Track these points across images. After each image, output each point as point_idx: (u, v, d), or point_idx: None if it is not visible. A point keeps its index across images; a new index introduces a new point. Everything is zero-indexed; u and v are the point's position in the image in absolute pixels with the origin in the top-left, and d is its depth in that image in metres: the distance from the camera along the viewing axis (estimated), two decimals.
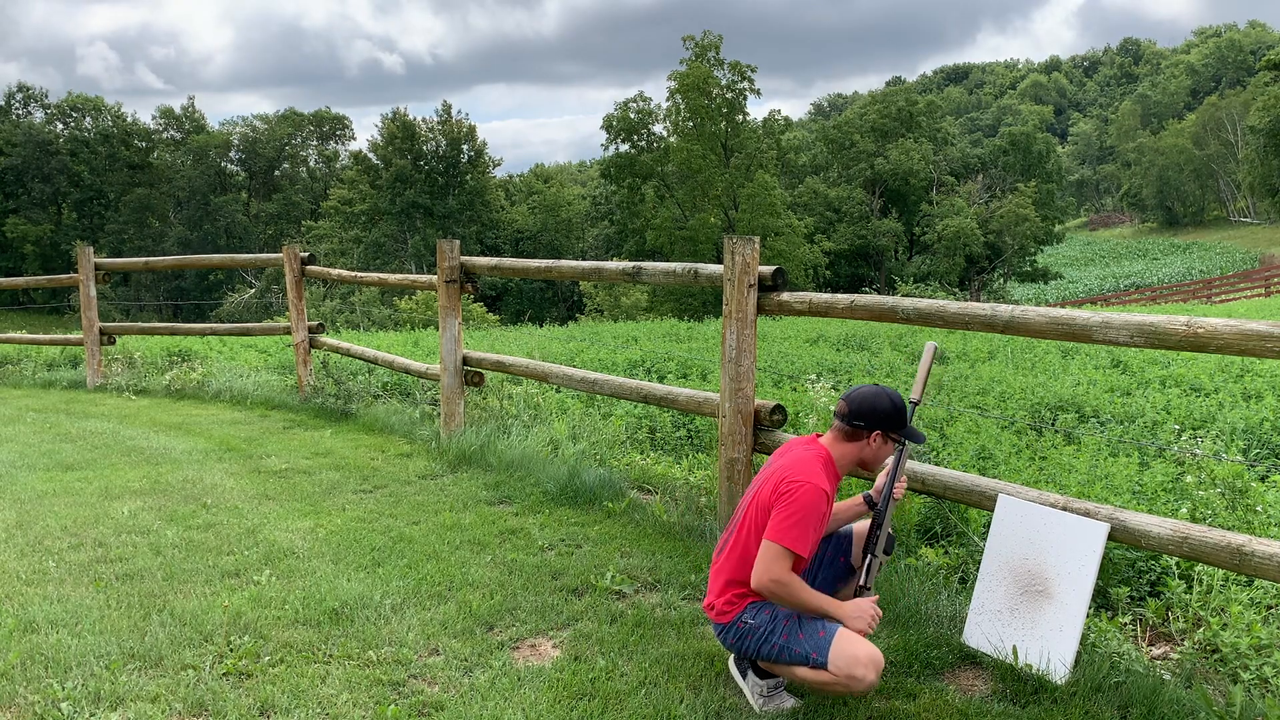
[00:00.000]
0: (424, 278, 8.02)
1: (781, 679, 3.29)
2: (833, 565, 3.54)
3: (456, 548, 4.86)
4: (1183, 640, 3.81)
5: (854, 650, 3.03)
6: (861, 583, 3.34)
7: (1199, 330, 3.18)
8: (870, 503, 3.50)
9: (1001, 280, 53.97)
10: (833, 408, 7.06)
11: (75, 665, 3.54)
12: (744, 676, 3.33)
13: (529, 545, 4.91)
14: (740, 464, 4.80)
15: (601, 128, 52.25)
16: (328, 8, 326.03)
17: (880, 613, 3.21)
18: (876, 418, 3.24)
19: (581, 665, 3.55)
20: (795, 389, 9.99)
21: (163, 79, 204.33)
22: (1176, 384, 10.87)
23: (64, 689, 3.36)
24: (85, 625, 3.90)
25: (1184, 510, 4.77)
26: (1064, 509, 3.56)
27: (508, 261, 7.04)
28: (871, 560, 3.35)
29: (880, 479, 3.47)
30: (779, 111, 54.05)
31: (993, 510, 3.76)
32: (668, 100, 50.13)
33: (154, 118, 78.87)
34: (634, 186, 51.79)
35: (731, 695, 3.34)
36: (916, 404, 3.48)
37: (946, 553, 4.56)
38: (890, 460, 3.40)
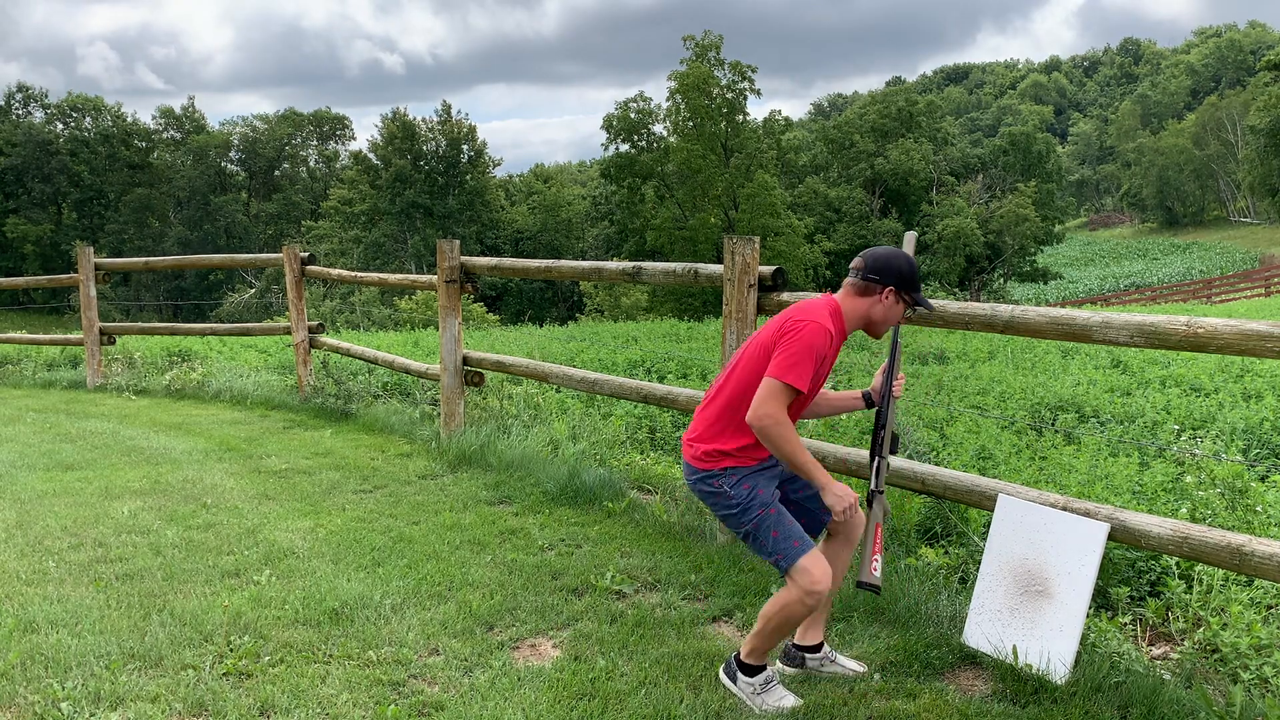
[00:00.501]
0: (424, 278, 8.02)
1: (772, 673, 3.28)
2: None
3: (456, 548, 4.86)
4: (1183, 640, 3.81)
5: (815, 569, 3.08)
6: (872, 486, 3.35)
7: (1199, 330, 3.18)
8: (869, 401, 3.48)
9: (1001, 280, 53.96)
10: None
11: (75, 665, 3.54)
12: (733, 681, 3.32)
13: (529, 545, 4.91)
14: None
15: (601, 127, 52.25)
16: (328, 8, 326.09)
17: (858, 508, 3.22)
18: (891, 273, 3.18)
19: (581, 665, 3.55)
20: None
21: (163, 79, 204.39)
22: (1176, 384, 10.87)
23: (64, 689, 3.36)
24: (85, 625, 3.90)
25: (1184, 510, 4.77)
26: (1064, 509, 3.56)
27: (508, 261, 7.04)
28: (879, 462, 3.37)
29: (877, 378, 3.46)
30: (779, 112, 54.06)
31: (993, 510, 3.76)
32: (668, 100, 50.13)
33: (154, 118, 78.93)
34: (634, 186, 51.77)
35: (732, 695, 3.34)
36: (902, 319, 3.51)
37: (946, 553, 4.56)
38: (887, 360, 3.41)
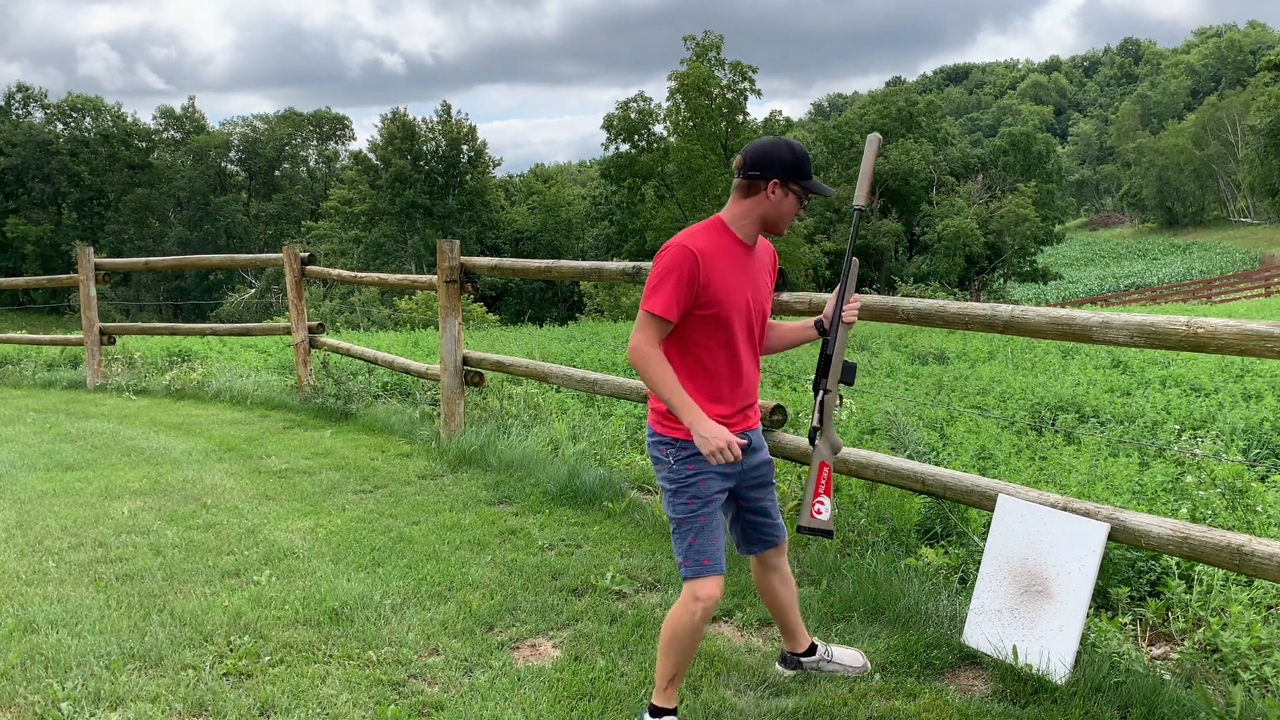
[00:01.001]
0: (424, 278, 8.03)
1: (822, 656, 3.42)
2: None
3: (456, 548, 4.86)
4: (1183, 640, 3.81)
5: (704, 591, 2.93)
6: (814, 422, 3.07)
7: (1199, 330, 3.18)
8: (821, 329, 3.20)
9: (1001, 280, 53.96)
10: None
11: (75, 665, 3.54)
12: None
13: (529, 545, 4.91)
14: None
15: (602, 127, 52.26)
16: (328, 8, 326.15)
17: (740, 452, 2.85)
18: (773, 164, 2.88)
19: (581, 665, 3.55)
20: (795, 389, 9.99)
21: (164, 79, 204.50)
22: (1176, 384, 10.87)
23: (64, 689, 3.36)
24: (85, 625, 3.90)
25: (1184, 510, 4.77)
26: (1064, 509, 3.56)
27: (508, 261, 7.04)
28: (824, 396, 3.09)
29: (829, 304, 3.19)
30: (779, 112, 54.07)
31: (993, 510, 3.76)
32: (668, 100, 50.13)
33: (154, 118, 78.94)
34: (634, 186, 51.77)
35: (731, 695, 3.34)
36: (860, 210, 3.17)
37: (946, 553, 4.56)
38: (840, 284, 3.13)
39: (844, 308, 3.10)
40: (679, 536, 2.99)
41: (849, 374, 3.08)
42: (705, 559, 2.94)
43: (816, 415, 3.09)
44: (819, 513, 3.01)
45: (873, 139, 3.09)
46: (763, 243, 3.09)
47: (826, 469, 3.05)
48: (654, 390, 2.87)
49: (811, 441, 3.09)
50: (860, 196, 3.16)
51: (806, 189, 2.94)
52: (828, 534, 3.07)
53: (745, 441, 2.97)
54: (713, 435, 2.79)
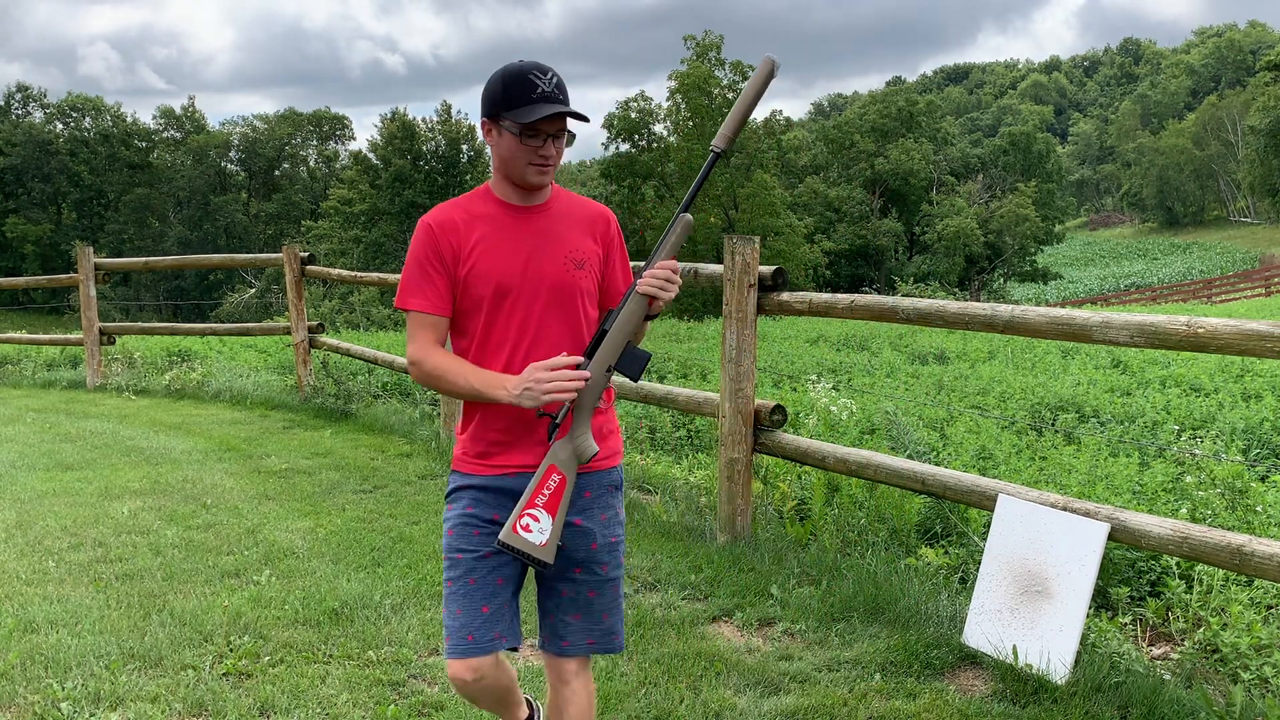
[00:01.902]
0: None
1: None
2: None
3: None
4: (1183, 640, 3.81)
5: (453, 672, 2.33)
6: (558, 416, 2.26)
7: (1199, 330, 3.18)
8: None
9: (1001, 280, 53.95)
10: (833, 408, 7.08)
11: (75, 665, 3.54)
12: None
13: None
14: (740, 464, 4.80)
15: (602, 127, 52.24)
16: (329, 8, 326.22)
17: (576, 376, 2.21)
18: (484, 100, 2.28)
19: None
20: (795, 389, 9.99)
21: (164, 79, 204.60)
22: (1176, 384, 10.87)
23: (64, 689, 3.36)
24: (85, 625, 3.90)
25: (1184, 510, 4.77)
26: (1064, 509, 3.56)
27: None
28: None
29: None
30: (779, 112, 54.03)
31: (993, 510, 3.76)
32: (668, 100, 50.13)
33: (154, 118, 78.95)
34: (634, 186, 51.73)
35: (731, 695, 3.34)
36: (720, 153, 2.32)
37: (946, 553, 4.56)
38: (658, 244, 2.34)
39: (645, 273, 2.30)
40: (447, 603, 2.34)
41: (632, 364, 2.30)
42: (448, 636, 2.33)
43: (564, 408, 2.25)
44: (527, 529, 2.23)
45: (765, 62, 2.31)
46: (584, 204, 2.44)
47: (557, 477, 2.26)
48: (452, 391, 2.28)
49: (549, 438, 2.28)
50: (722, 137, 2.33)
51: (521, 123, 2.21)
52: (538, 562, 2.25)
53: (581, 372, 2.23)
54: (524, 379, 2.21)
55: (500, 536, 2.24)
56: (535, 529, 2.24)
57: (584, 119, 2.27)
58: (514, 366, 2.28)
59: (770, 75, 2.31)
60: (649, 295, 2.29)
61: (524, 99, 2.21)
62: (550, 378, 2.19)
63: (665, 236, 2.33)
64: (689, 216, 2.35)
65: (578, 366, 2.27)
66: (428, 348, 2.30)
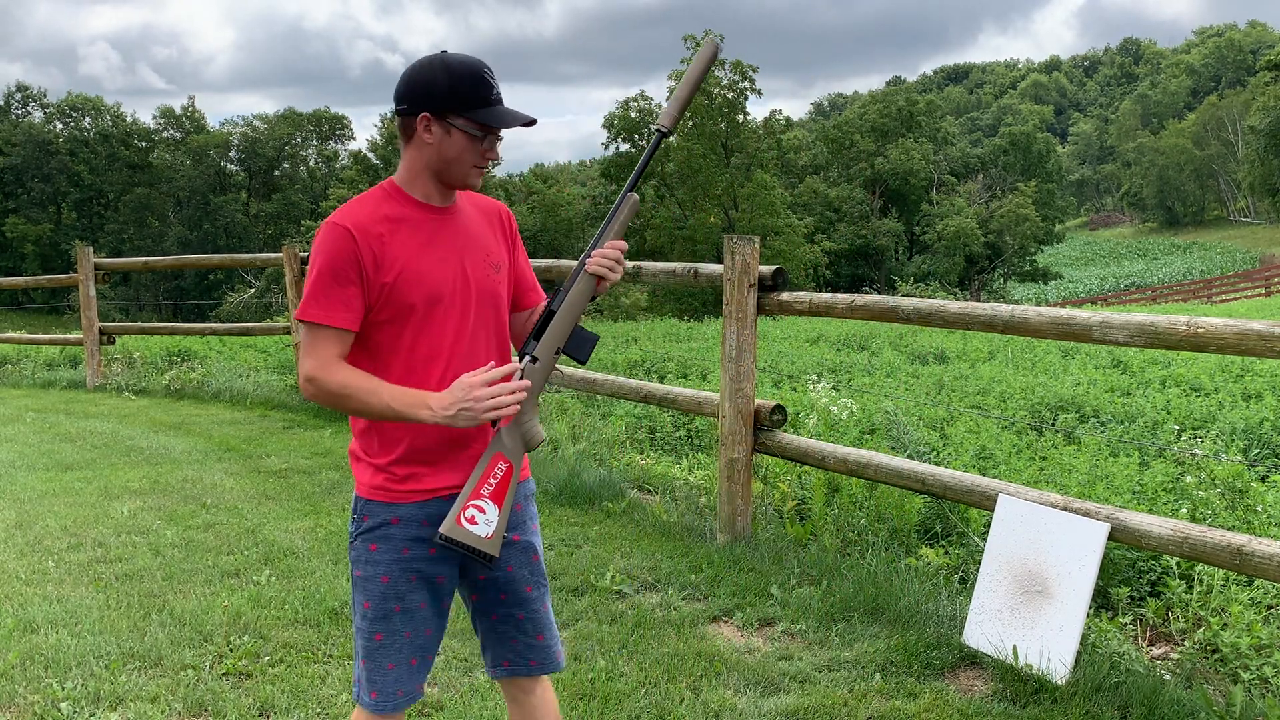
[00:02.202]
0: None
1: None
2: None
3: None
4: (1183, 640, 3.81)
5: (369, 717, 2.19)
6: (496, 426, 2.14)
7: (1199, 330, 3.18)
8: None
9: (1001, 280, 53.96)
10: (833, 408, 7.08)
11: (75, 665, 3.54)
12: None
13: None
14: (740, 464, 4.80)
15: (602, 126, 52.25)
16: (330, 8, 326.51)
17: (518, 384, 2.07)
18: (419, 94, 2.05)
19: (581, 665, 3.55)
20: (795, 389, 9.99)
21: (165, 79, 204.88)
22: (1176, 384, 10.86)
23: (64, 689, 3.36)
24: (85, 625, 3.90)
25: (1184, 510, 4.77)
26: (1064, 509, 3.56)
27: None
28: (527, 363, 2.16)
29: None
30: (779, 111, 54.04)
31: (993, 510, 3.76)
32: (668, 100, 50.10)
33: (154, 117, 78.97)
34: (533, 122, 51.65)
35: (731, 695, 3.34)
36: (665, 133, 2.22)
37: (946, 553, 4.56)
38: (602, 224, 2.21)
39: (594, 252, 2.18)
40: (355, 645, 2.20)
41: (580, 346, 2.18)
42: (374, 692, 2.15)
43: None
44: (472, 520, 2.07)
45: (708, 43, 2.24)
46: (479, 200, 2.28)
47: (503, 466, 2.11)
48: (361, 410, 2.05)
49: (493, 425, 2.12)
50: (666, 115, 2.21)
51: (478, 122, 2.06)
52: (483, 556, 2.09)
53: (522, 382, 2.09)
54: (457, 397, 2.01)
55: (441, 529, 2.05)
56: (481, 520, 2.08)
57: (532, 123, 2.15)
58: (446, 380, 2.09)
59: (714, 57, 2.23)
60: (598, 276, 2.16)
61: (481, 100, 2.06)
62: (490, 393, 2.02)
63: (612, 216, 2.22)
64: (635, 196, 2.24)
65: (524, 350, 2.17)
66: (330, 363, 2.04)
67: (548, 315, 2.17)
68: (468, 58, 2.08)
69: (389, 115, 62.84)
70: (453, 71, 2.04)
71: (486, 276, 2.18)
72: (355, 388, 2.03)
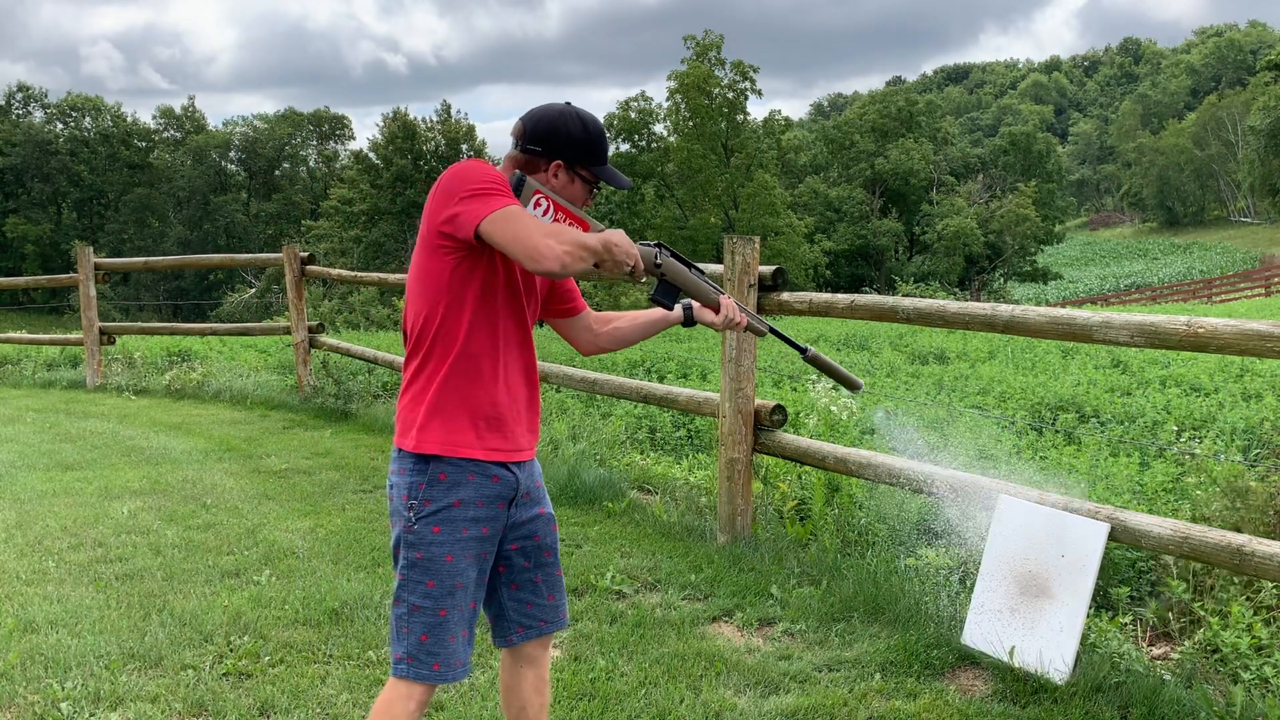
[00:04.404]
0: None
1: None
2: None
3: None
4: (1183, 640, 3.81)
5: (422, 694, 2.31)
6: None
7: (1199, 330, 3.18)
8: (689, 319, 2.62)
9: (1002, 280, 53.96)
10: (833, 408, 7.08)
11: (75, 665, 3.54)
12: None
13: None
14: (740, 464, 4.80)
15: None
16: (332, 8, 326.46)
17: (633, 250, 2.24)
18: (559, 142, 2.31)
19: (581, 665, 3.55)
20: (795, 389, 9.99)
21: (167, 79, 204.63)
22: (1176, 384, 10.86)
23: (64, 689, 3.36)
24: (85, 625, 3.90)
25: (1184, 510, 4.76)
26: (1064, 509, 3.56)
27: None
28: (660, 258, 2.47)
29: (712, 314, 2.55)
30: (779, 111, 54.06)
31: (993, 510, 3.76)
32: (667, 100, 50.14)
33: (154, 117, 78.97)
34: (634, 186, 51.83)
35: (731, 695, 3.34)
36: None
37: (946, 553, 4.56)
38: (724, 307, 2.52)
39: (729, 300, 2.58)
40: (402, 622, 2.29)
41: (670, 293, 2.55)
42: (437, 664, 2.28)
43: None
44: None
45: None
46: None
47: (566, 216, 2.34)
48: (582, 251, 2.11)
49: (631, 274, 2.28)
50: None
51: (598, 177, 2.37)
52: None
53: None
54: (623, 242, 2.20)
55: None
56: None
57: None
58: (495, 377, 2.28)
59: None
60: (723, 313, 2.53)
61: (603, 158, 2.36)
62: (630, 251, 2.20)
63: (757, 319, 2.59)
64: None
65: (659, 260, 2.47)
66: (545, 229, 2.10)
67: (686, 264, 2.52)
68: (594, 117, 2.37)
69: (389, 115, 62.91)
70: (589, 129, 2.33)
71: (531, 294, 2.40)
72: (561, 229, 2.12)
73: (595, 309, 2.68)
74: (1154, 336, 3.31)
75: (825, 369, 2.64)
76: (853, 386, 2.67)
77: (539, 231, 2.08)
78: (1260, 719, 3.04)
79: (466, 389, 2.25)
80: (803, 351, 2.58)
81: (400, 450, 2.29)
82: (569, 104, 2.37)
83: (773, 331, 2.60)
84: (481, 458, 2.27)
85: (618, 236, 2.19)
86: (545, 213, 2.27)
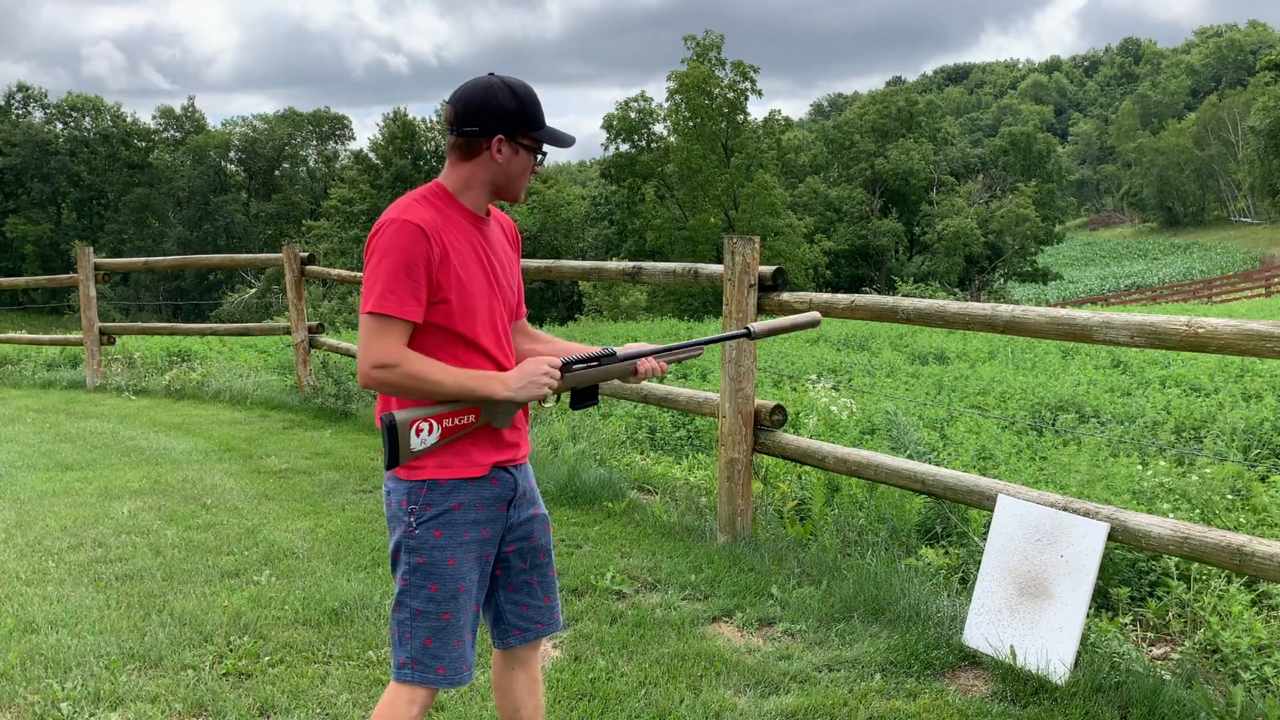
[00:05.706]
0: None
1: None
2: None
3: None
4: (1183, 640, 3.81)
5: (424, 698, 2.33)
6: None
7: (1199, 330, 3.18)
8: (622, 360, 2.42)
9: (1002, 280, 53.94)
10: (833, 408, 7.08)
11: (75, 665, 3.54)
12: None
13: None
14: (740, 464, 4.80)
15: (601, 127, 52.26)
16: (334, 9, 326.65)
17: (555, 376, 2.28)
18: (492, 115, 2.23)
19: (581, 665, 3.55)
20: (795, 389, 9.99)
21: (168, 79, 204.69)
22: (1176, 384, 10.86)
23: (64, 689, 3.36)
24: (85, 625, 3.90)
25: (1184, 510, 4.76)
26: (1064, 509, 3.56)
27: None
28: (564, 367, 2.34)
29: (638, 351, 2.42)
30: (779, 111, 54.03)
31: (993, 510, 3.76)
32: (668, 100, 50.13)
33: (154, 117, 78.97)
34: (634, 186, 51.75)
35: (731, 695, 3.34)
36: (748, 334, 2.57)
37: (946, 553, 4.56)
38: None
39: (654, 358, 2.44)
40: (405, 627, 2.30)
41: (586, 396, 2.45)
42: (441, 668, 2.30)
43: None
44: (419, 433, 2.22)
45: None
46: (498, 214, 2.46)
47: (471, 418, 2.29)
48: (434, 391, 2.18)
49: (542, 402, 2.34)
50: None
51: (541, 140, 2.30)
52: (391, 457, 2.22)
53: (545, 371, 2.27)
54: (527, 374, 2.25)
55: (397, 415, 2.18)
56: (422, 439, 2.21)
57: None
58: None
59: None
60: (641, 375, 2.41)
61: (540, 121, 2.29)
62: (552, 373, 2.27)
63: (683, 347, 2.49)
64: (701, 350, 2.54)
65: (566, 362, 2.36)
66: (402, 351, 2.17)
67: (594, 359, 2.39)
68: (521, 81, 2.29)
69: (390, 115, 62.88)
70: (519, 95, 2.25)
71: (509, 291, 2.39)
72: (428, 369, 2.18)
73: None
74: (1154, 337, 3.31)
75: (780, 329, 2.60)
76: (812, 324, 2.63)
77: (367, 357, 2.17)
78: (1260, 719, 3.04)
79: None
80: (748, 334, 2.54)
81: None
82: (492, 74, 2.30)
83: (704, 343, 2.54)
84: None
85: (510, 378, 2.24)
86: (431, 431, 2.21)
